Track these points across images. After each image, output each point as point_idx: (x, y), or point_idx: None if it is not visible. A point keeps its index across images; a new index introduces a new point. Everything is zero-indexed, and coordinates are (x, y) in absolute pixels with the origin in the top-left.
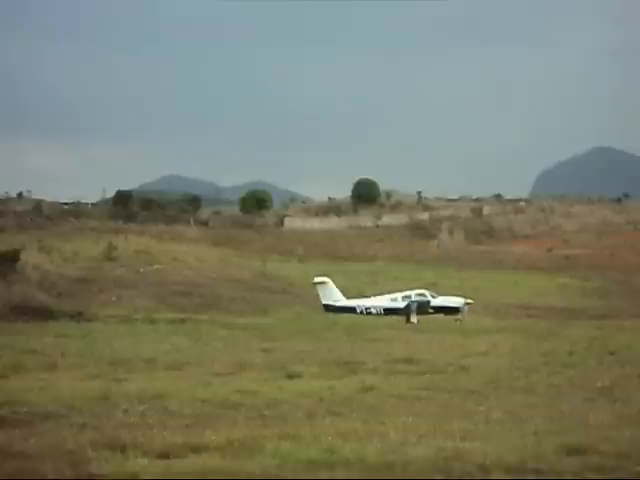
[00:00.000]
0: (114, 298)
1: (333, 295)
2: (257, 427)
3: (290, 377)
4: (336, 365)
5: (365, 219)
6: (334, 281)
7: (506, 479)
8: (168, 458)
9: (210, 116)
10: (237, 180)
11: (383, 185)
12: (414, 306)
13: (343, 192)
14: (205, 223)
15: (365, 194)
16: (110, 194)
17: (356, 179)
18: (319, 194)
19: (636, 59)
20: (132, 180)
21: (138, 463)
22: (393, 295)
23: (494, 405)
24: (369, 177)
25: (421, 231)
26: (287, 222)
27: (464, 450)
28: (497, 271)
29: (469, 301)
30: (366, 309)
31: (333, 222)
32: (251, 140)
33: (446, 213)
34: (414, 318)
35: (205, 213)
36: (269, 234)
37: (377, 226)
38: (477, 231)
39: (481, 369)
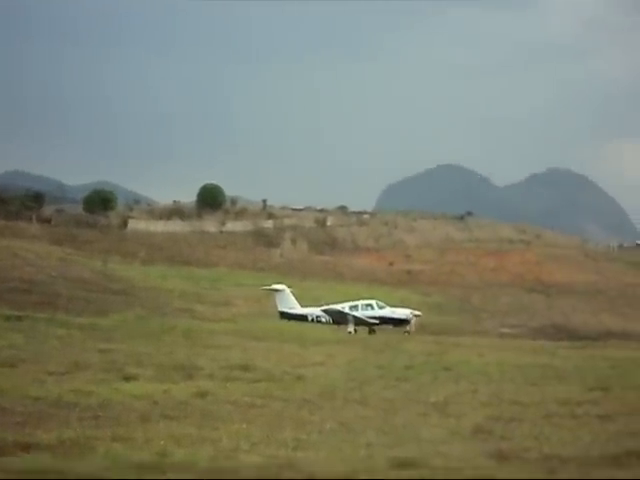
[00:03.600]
0: None
1: (289, 303)
2: (90, 428)
3: (126, 379)
4: (173, 369)
5: (209, 224)
6: (173, 285)
7: None
8: None
9: (57, 113)
10: (82, 179)
11: (229, 191)
12: (351, 317)
13: (188, 196)
14: (48, 221)
15: (210, 199)
16: None
17: (202, 184)
18: (164, 197)
19: (485, 79)
20: None
21: None
22: (342, 305)
23: (328, 416)
24: (215, 183)
25: (265, 239)
26: (131, 224)
27: (296, 459)
28: (339, 282)
29: (417, 313)
30: (317, 317)
31: (177, 226)
32: (98, 140)
33: (290, 222)
34: (351, 328)
35: (48, 211)
36: (112, 235)
37: (221, 232)
38: (320, 241)
39: (317, 379)
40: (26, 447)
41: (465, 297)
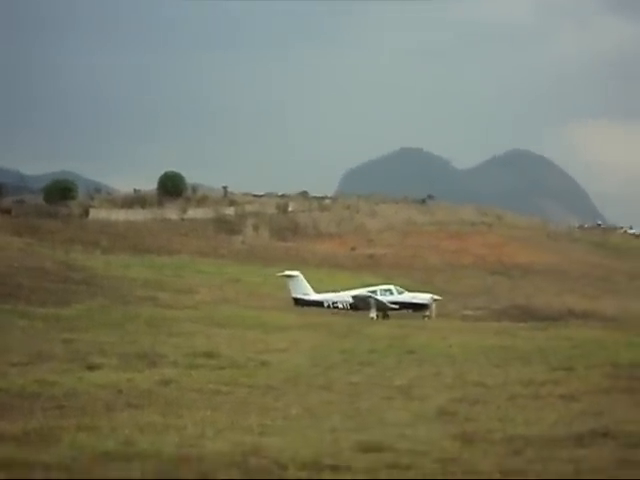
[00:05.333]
0: None
1: (303, 289)
2: (55, 418)
3: (90, 368)
4: (136, 357)
5: (170, 212)
6: (136, 273)
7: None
8: None
9: (14, 103)
10: (42, 169)
11: (189, 179)
12: (372, 302)
13: (149, 184)
14: (8, 211)
15: (171, 187)
16: None
17: (163, 172)
18: (125, 186)
19: (445, 62)
20: None
21: None
22: (359, 290)
23: (293, 401)
24: (175, 170)
25: (226, 226)
26: (92, 213)
27: (261, 445)
28: (301, 268)
29: (437, 297)
30: (333, 303)
31: (138, 214)
32: (57, 129)
33: (252, 209)
34: (373, 313)
35: (8, 202)
36: (74, 225)
37: (182, 220)
38: (282, 227)
39: (281, 365)
40: None
41: (428, 280)
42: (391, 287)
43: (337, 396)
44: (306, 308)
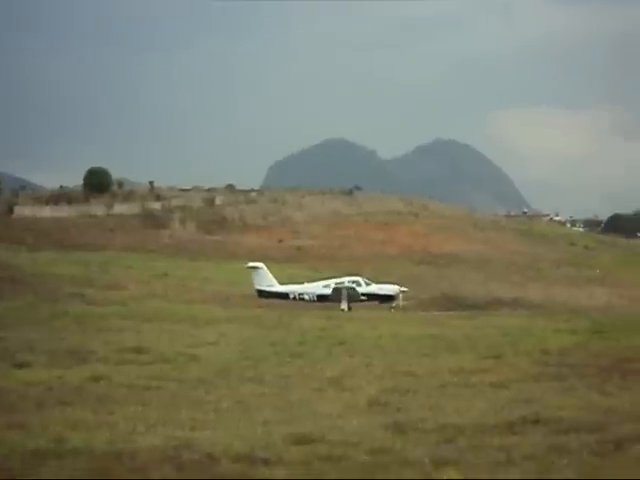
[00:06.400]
0: None
1: (267, 280)
2: None
3: (19, 366)
4: (66, 354)
5: (97, 208)
6: (63, 270)
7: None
8: None
9: None
10: None
11: (115, 174)
12: (344, 293)
13: (75, 181)
14: None
15: (97, 183)
16: None
17: (88, 167)
18: (51, 183)
19: (368, 52)
20: None
21: None
22: (326, 282)
23: (224, 395)
24: (101, 166)
25: (153, 221)
26: (17, 210)
27: (193, 439)
28: (229, 261)
29: (404, 289)
30: (299, 295)
31: (64, 211)
32: None
33: (178, 203)
34: (344, 305)
35: None
36: None
37: (109, 215)
38: (209, 221)
39: (211, 359)
40: None
41: (355, 270)
42: (359, 279)
43: (268, 388)
44: (275, 300)
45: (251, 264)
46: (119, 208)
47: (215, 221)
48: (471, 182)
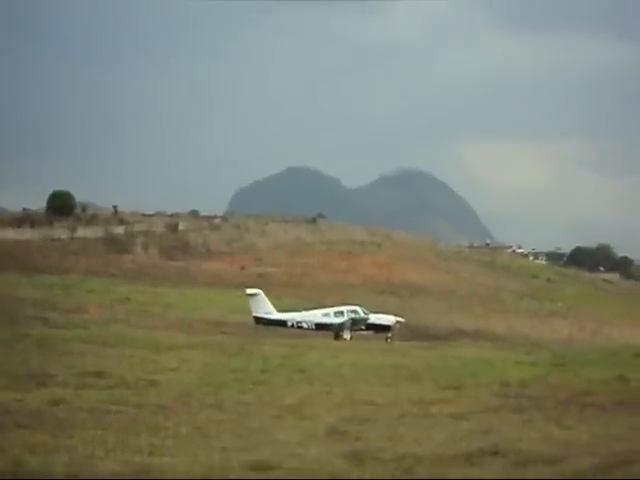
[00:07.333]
0: None
1: (265, 308)
2: None
3: None
4: (26, 377)
5: (60, 231)
6: (25, 293)
7: None
8: None
9: None
10: None
11: (79, 197)
12: (349, 323)
13: (38, 203)
14: None
15: (60, 206)
16: None
17: (51, 190)
18: (13, 205)
19: (332, 81)
20: None
21: None
22: (325, 310)
23: (183, 420)
24: (65, 188)
25: (116, 245)
26: None
27: (152, 464)
28: (191, 287)
29: (400, 320)
30: (297, 323)
31: (27, 233)
32: None
33: (141, 228)
34: (347, 335)
35: None
36: None
37: (72, 238)
38: (172, 247)
39: (171, 384)
40: None
41: (317, 299)
42: (357, 308)
43: (228, 415)
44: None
45: (249, 291)
46: (82, 232)
47: (178, 247)
48: (435, 213)
